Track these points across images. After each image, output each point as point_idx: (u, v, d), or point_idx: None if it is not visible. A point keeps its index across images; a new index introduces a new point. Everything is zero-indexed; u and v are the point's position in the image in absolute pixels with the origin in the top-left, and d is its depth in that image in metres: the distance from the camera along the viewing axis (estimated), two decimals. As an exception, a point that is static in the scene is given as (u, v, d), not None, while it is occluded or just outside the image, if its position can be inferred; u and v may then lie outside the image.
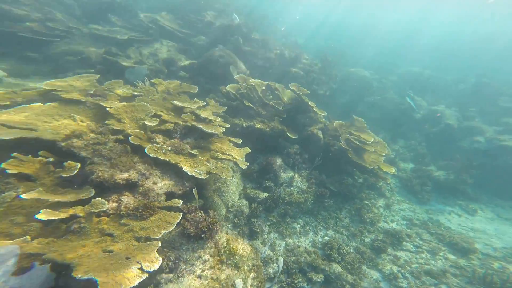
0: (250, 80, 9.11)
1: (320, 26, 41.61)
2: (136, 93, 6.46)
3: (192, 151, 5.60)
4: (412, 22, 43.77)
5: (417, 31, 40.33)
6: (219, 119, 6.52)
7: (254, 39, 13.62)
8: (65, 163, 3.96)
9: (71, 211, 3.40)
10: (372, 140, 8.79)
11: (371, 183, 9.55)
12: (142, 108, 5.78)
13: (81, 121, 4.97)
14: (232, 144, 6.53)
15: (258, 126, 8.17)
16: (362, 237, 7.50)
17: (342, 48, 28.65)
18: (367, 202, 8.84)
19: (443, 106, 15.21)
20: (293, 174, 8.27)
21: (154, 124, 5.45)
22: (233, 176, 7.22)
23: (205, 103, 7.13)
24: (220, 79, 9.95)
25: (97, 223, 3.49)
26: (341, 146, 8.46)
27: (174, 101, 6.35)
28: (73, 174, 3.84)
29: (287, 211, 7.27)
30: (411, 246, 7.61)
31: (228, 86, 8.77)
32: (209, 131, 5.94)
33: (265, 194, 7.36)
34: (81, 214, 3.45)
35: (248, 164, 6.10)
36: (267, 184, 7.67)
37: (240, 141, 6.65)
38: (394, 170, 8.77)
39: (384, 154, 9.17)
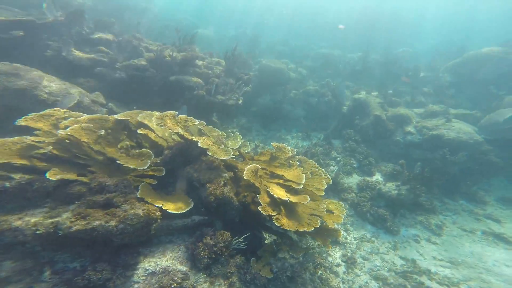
0: (66, 122, 4.47)
1: (226, 15, 37.60)
2: None
3: None
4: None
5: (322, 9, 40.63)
6: None
7: (104, 39, 8.63)
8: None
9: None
10: (304, 178, 5.52)
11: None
12: None
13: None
14: None
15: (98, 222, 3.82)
16: None
17: (251, 35, 25.73)
18: (322, 272, 5.84)
19: (364, 93, 13.63)
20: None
21: None
22: None
23: None
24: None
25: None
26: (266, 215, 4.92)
27: None
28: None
29: None
30: None
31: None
32: None
33: None
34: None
35: None
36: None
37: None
38: (342, 217, 5.89)
39: (324, 189, 6.07)
